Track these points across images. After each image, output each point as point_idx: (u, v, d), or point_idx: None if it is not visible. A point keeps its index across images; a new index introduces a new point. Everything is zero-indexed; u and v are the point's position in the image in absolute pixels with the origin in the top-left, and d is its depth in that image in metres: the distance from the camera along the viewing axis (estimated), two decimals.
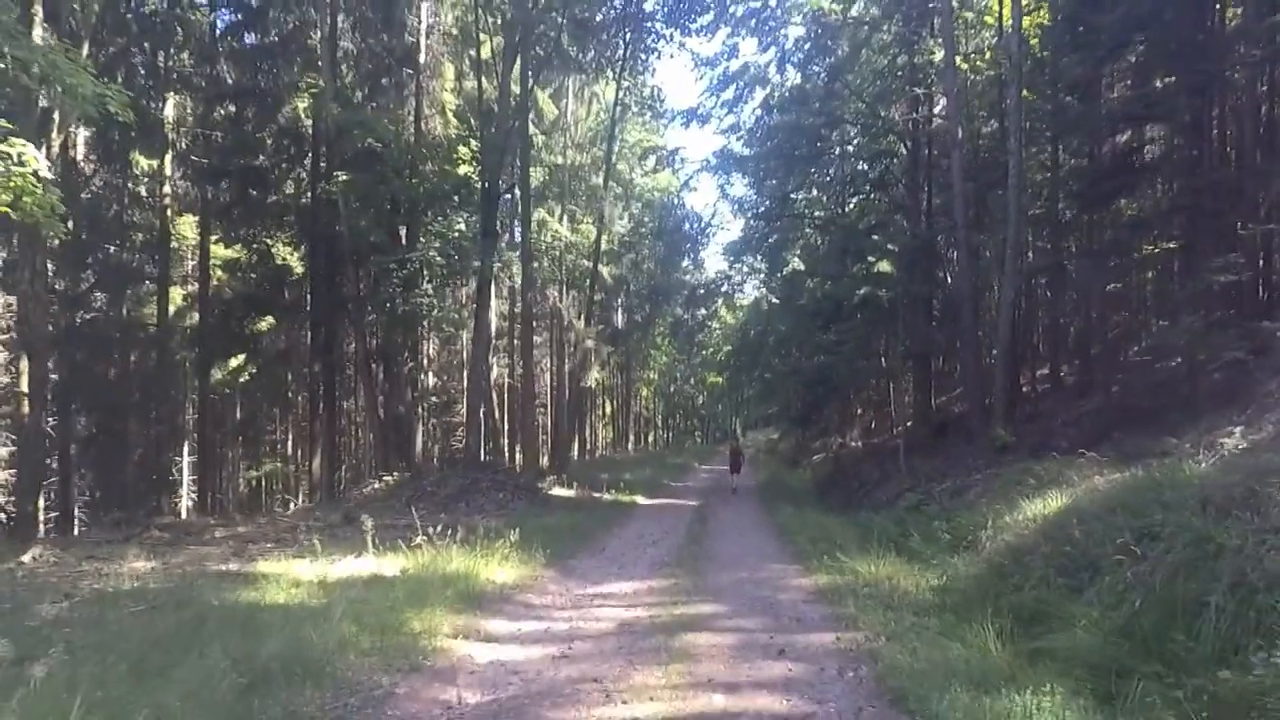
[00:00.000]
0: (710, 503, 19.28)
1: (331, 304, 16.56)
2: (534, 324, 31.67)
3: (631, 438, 57.23)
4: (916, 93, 21.68)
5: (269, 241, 17.69)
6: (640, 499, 19.73)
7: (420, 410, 17.25)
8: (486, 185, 16.34)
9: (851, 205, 25.55)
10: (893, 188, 24.18)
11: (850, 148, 24.68)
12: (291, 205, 17.97)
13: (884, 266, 19.74)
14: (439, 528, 9.94)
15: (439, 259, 14.71)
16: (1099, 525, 6.68)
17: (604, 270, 30.36)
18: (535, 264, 27.01)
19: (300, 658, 5.13)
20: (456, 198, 16.04)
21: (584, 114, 31.36)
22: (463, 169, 16.18)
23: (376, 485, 15.70)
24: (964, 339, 18.93)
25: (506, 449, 29.36)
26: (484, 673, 5.41)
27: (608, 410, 53.88)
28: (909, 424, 27.32)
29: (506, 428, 31.05)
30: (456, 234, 14.72)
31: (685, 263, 30.24)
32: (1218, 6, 13.56)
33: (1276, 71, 13.41)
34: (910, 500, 14.56)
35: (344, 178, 14.21)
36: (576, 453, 43.40)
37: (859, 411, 35.43)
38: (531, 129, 25.87)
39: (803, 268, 26.41)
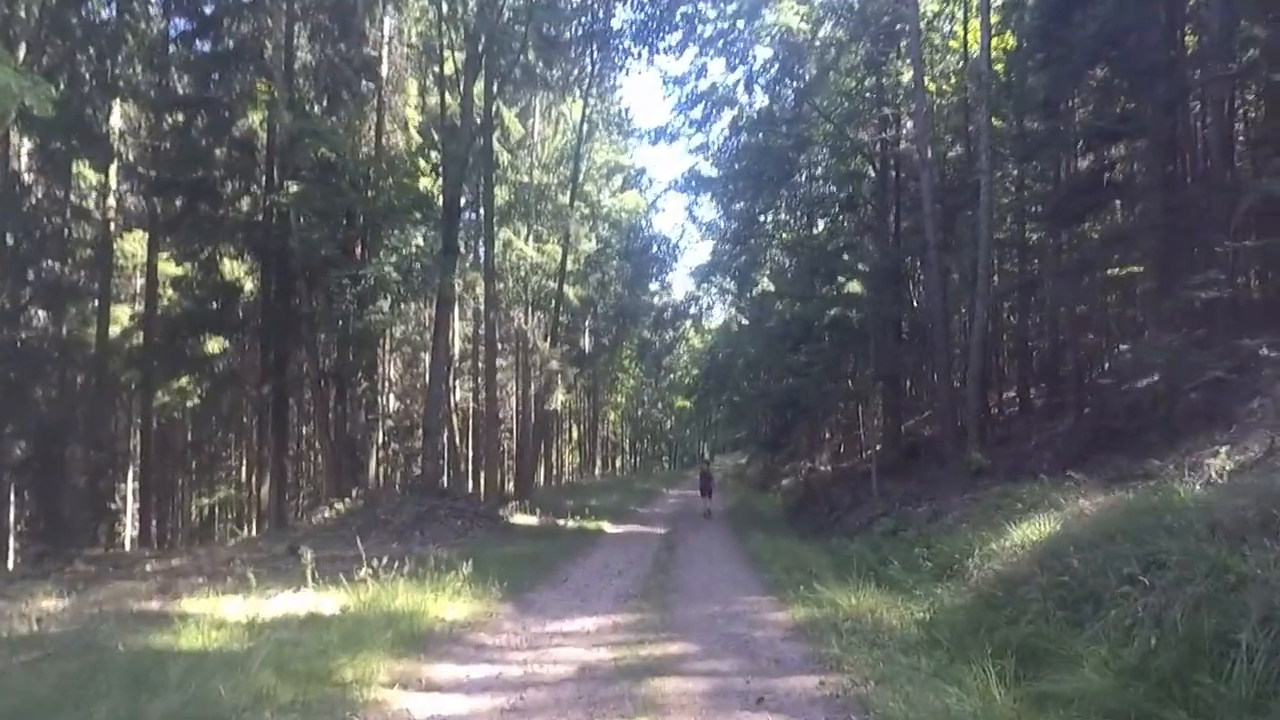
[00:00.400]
0: (679, 529, 18.64)
1: (283, 322, 15.69)
2: (498, 346, 30.94)
3: (598, 463, 56.39)
4: (885, 113, 21.61)
5: (219, 257, 16.80)
6: (606, 526, 19.03)
7: (377, 434, 16.42)
8: (448, 201, 15.73)
9: (820, 228, 25.35)
10: (861, 209, 24.04)
11: (818, 169, 24.52)
12: (242, 220, 17.12)
13: (854, 287, 19.47)
14: (385, 560, 9.16)
15: (395, 275, 14.00)
16: (1099, 553, 6.18)
17: (570, 292, 29.79)
18: (500, 284, 26.41)
19: (201, 717, 4.40)
20: (417, 213, 15.38)
21: (551, 133, 30.95)
22: (423, 183, 15.55)
23: (327, 514, 14.83)
24: (935, 360, 18.66)
25: (470, 475, 28.47)
26: None
27: (574, 435, 53.05)
28: (879, 447, 27.01)
29: (470, 453, 30.18)
30: (415, 250, 14.04)
31: (653, 285, 29.88)
32: (1178, 33, 13.56)
33: (1243, 91, 13.40)
34: (885, 525, 14.09)
35: (295, 189, 13.48)
36: (542, 478, 42.52)
37: (827, 435, 35.13)
38: (497, 147, 25.39)
39: (772, 288, 26.12)
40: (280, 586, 9.30)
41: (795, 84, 23.67)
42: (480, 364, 20.82)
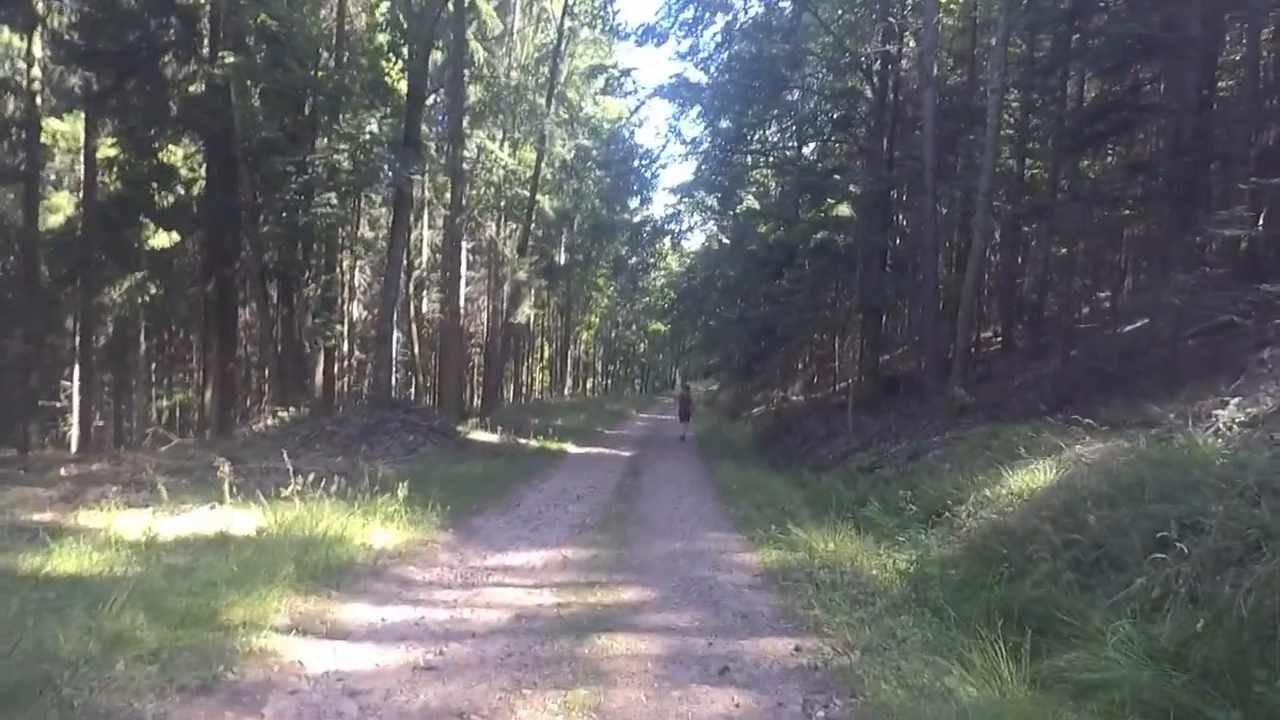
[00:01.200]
0: (646, 454, 17.94)
1: (225, 212, 14.24)
2: (468, 257, 29.58)
3: (570, 383, 55.63)
4: (890, 22, 20.03)
5: (156, 138, 15.17)
6: (570, 447, 18.27)
7: (332, 340, 15.24)
8: (411, 88, 14.23)
9: (811, 149, 23.98)
10: (855, 130, 22.68)
11: (813, 85, 23.00)
12: (180, 96, 15.41)
13: (843, 210, 18.32)
14: (315, 476, 8.23)
15: (346, 165, 12.61)
16: (1122, 512, 5.40)
17: (545, 202, 28.31)
18: (470, 189, 24.88)
19: (25, 672, 3.48)
20: (374, 98, 13.88)
21: (531, 31, 28.85)
22: (389, 71, 13.97)
23: (269, 422, 13.84)
24: (922, 292, 17.76)
25: (436, 390, 27.47)
26: (308, 694, 3.83)
27: (546, 353, 52.09)
28: (855, 380, 26.40)
29: (438, 367, 29.09)
30: (368, 138, 12.63)
31: (633, 202, 28.27)
32: None
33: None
34: (861, 461, 13.42)
35: (232, 60, 11.91)
36: (511, 396, 41.68)
37: (799, 365, 34.50)
38: (473, 43, 23.48)
39: (757, 206, 24.87)
40: (197, 501, 8.37)
41: None
42: (447, 279, 19.58)
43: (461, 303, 28.33)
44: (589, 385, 64.36)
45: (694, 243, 39.59)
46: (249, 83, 12.54)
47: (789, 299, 21.51)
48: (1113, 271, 22.48)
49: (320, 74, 12.76)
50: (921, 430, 13.79)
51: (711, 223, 25.02)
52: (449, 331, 19.34)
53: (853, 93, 22.22)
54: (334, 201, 11.92)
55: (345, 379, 22.64)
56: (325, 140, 12.21)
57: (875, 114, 21.58)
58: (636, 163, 26.60)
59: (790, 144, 23.55)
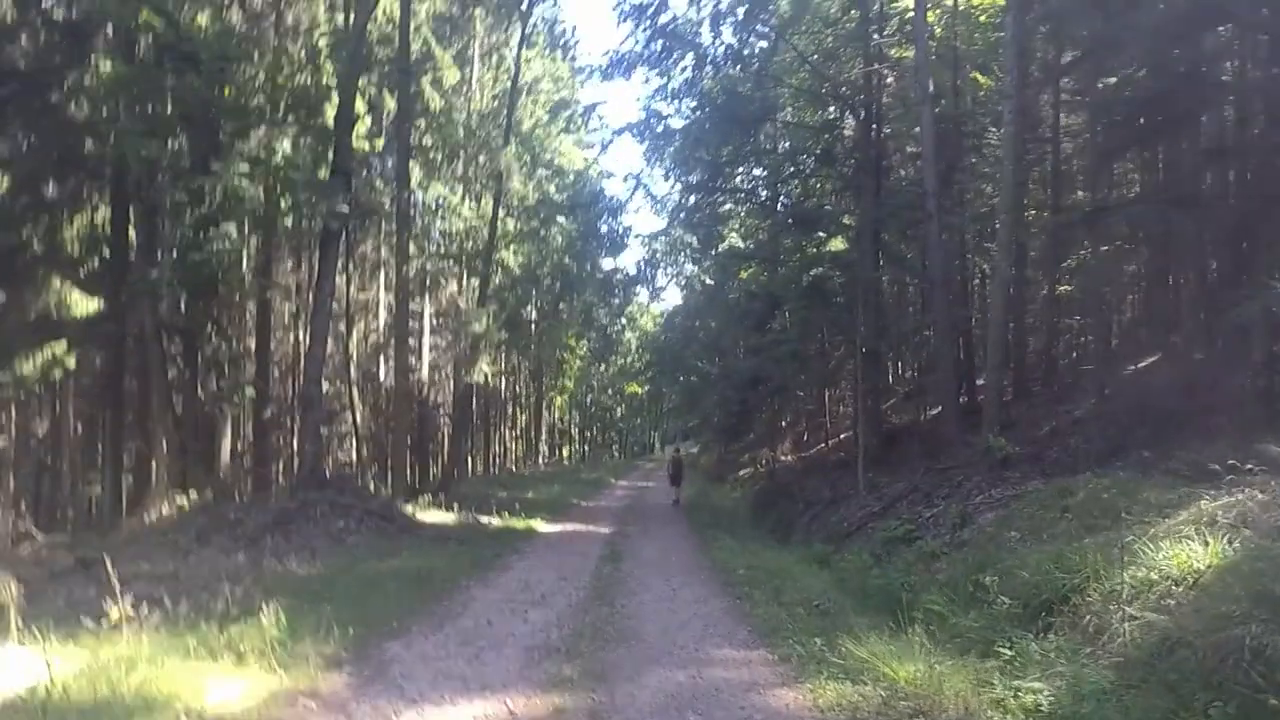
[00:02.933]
0: (627, 529, 15.40)
1: (115, 255, 11.85)
2: (434, 321, 27.26)
3: (546, 451, 52.81)
4: (873, 43, 18.50)
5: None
6: (540, 525, 15.70)
7: (239, 408, 12.76)
8: (340, 110, 12.18)
9: (793, 186, 22.23)
10: (840, 164, 20.98)
11: (791, 117, 21.39)
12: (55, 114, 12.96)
13: (837, 245, 16.36)
14: (155, 596, 5.73)
15: (250, 192, 10.36)
16: None
17: (509, 256, 26.25)
18: (428, 245, 22.73)
19: None
20: (290, 117, 11.78)
21: (490, 79, 27.27)
22: (304, 80, 11.92)
23: (165, 511, 11.24)
24: (935, 329, 15.74)
25: (389, 465, 24.77)
26: None
27: (521, 422, 49.40)
28: (855, 434, 24.17)
29: (392, 440, 26.40)
30: (281, 161, 10.44)
31: (603, 257, 26.19)
32: None
33: None
34: (890, 529, 11.03)
35: (109, 70, 9.69)
36: (482, 467, 38.79)
37: (783, 423, 32.19)
38: (429, 90, 21.74)
39: (740, 244, 22.97)
40: None
41: (768, 18, 20.46)
42: (395, 336, 17.18)
43: (424, 367, 25.91)
44: (566, 453, 61.57)
45: (668, 301, 37.78)
46: (141, 101, 10.35)
47: (780, 346, 19.43)
48: (1162, 291, 20.38)
49: (217, 88, 10.65)
50: (958, 489, 11.48)
51: (690, 265, 23.04)
52: (399, 396, 16.92)
53: (833, 125, 20.61)
54: (232, 235, 9.67)
55: (279, 457, 19.89)
56: (224, 163, 10.02)
57: (860, 145, 19.89)
58: (605, 214, 24.68)
59: (770, 183, 21.77)
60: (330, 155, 12.29)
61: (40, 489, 16.11)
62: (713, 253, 23.01)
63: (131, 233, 11.69)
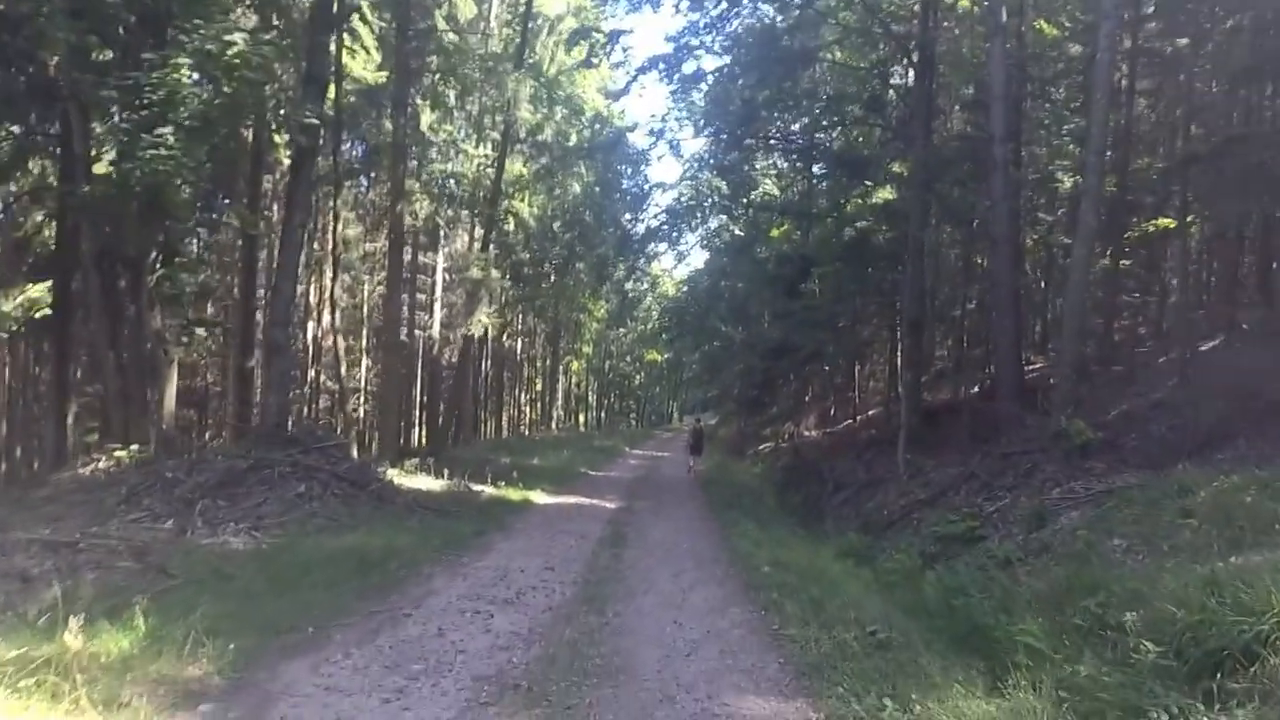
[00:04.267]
0: (636, 505, 13.76)
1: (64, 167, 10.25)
2: (446, 278, 25.56)
3: (561, 415, 51.36)
4: None
5: None
6: (539, 496, 14.12)
7: (190, 345, 11.15)
8: (314, 7, 10.42)
9: (837, 135, 20.13)
10: (890, 110, 18.86)
11: (836, 57, 19.22)
12: None
13: (885, 194, 14.37)
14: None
15: (194, 90, 8.60)
16: None
17: (520, 205, 24.42)
18: (431, 186, 20.93)
19: None
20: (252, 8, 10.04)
21: (508, 15, 25.20)
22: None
23: (102, 464, 9.76)
24: (996, 294, 13.81)
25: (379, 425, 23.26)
26: None
27: (537, 386, 47.92)
28: (887, 410, 22.33)
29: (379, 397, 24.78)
30: (233, 57, 8.64)
31: (623, 210, 24.01)
32: None
33: None
34: (943, 525, 9.27)
35: None
36: (494, 431, 37.32)
37: (809, 396, 30.27)
38: (442, 24, 19.82)
39: (775, 192, 20.96)
40: None
41: None
42: (387, 281, 15.43)
43: (436, 324, 24.25)
44: (582, 420, 60.15)
45: (693, 263, 35.73)
46: None
47: (808, 313, 17.57)
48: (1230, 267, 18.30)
49: None
50: (1027, 479, 9.68)
51: (715, 220, 20.94)
52: (389, 349, 15.31)
53: (884, 65, 18.44)
54: (170, 142, 7.96)
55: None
56: (164, 55, 8.29)
57: (914, 92, 17.73)
58: (626, 165, 22.49)
59: (809, 130, 19.64)
60: (304, 63, 10.56)
61: None
62: (744, 200, 20.96)
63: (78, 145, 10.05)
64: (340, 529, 8.62)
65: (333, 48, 12.45)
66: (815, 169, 19.80)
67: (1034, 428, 11.36)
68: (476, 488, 13.83)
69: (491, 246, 19.80)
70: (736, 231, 23.02)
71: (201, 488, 8.95)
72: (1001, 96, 13.76)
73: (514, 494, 13.63)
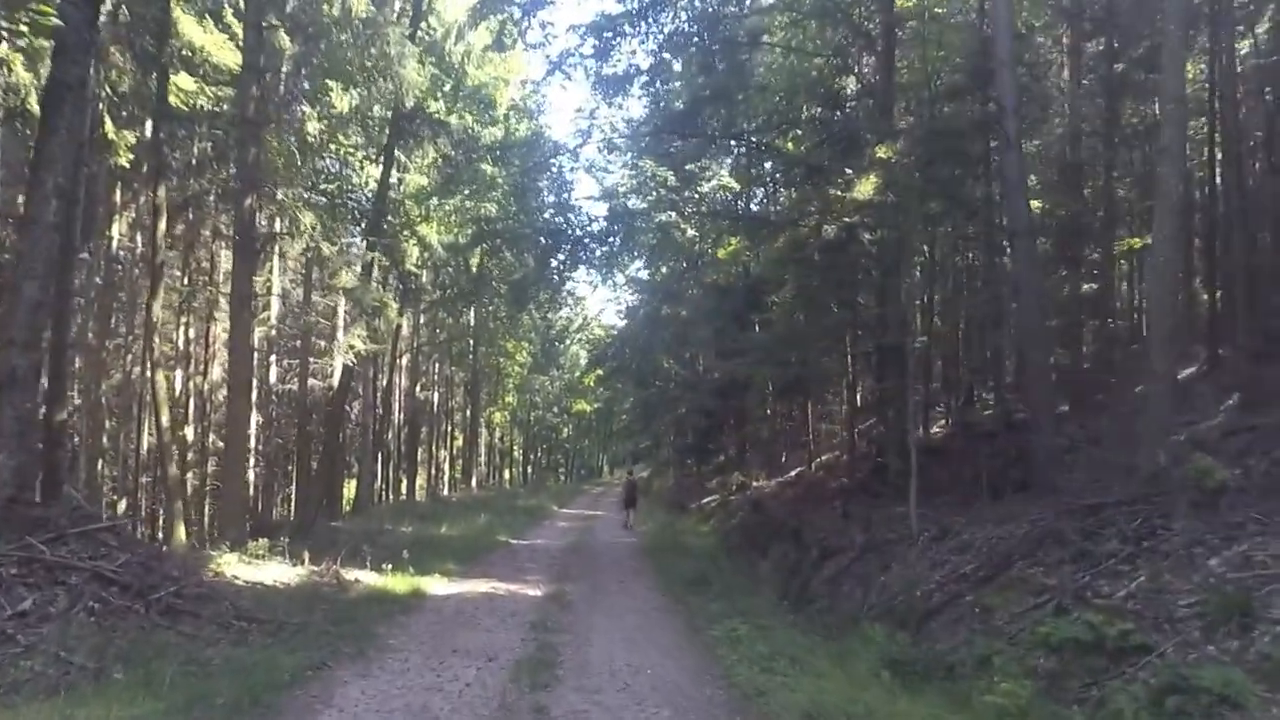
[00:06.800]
0: (568, 592, 10.19)
1: None
2: (348, 317, 21.45)
3: (484, 472, 46.98)
4: None
5: None
6: (436, 584, 10.42)
7: None
8: None
9: (790, 137, 17.47)
10: (855, 104, 16.34)
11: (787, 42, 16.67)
12: None
13: (865, 189, 11.53)
14: None
15: None
16: None
17: (427, 229, 20.86)
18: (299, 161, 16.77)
19: None
20: None
21: None
22: None
23: None
24: (1020, 304, 11.00)
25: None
26: None
27: (458, 441, 43.56)
28: (850, 455, 19.35)
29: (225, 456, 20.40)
30: None
31: (545, 204, 20.36)
32: None
33: None
34: (1060, 625, 6.05)
35: None
36: (405, 493, 32.78)
37: (752, 442, 27.22)
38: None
39: (736, 186, 18.08)
40: None
41: None
42: (235, 298, 11.56)
43: (337, 371, 20.07)
44: (507, 476, 55.79)
45: (624, 299, 32.67)
46: None
47: (766, 344, 14.56)
48: None
49: None
50: (1144, 541, 6.60)
51: (662, 218, 17.75)
52: (235, 390, 11.49)
53: (844, 53, 15.93)
54: None
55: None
56: None
57: (882, 74, 15.21)
58: (547, 163, 19.15)
59: (764, 131, 16.91)
60: None
61: None
62: (696, 192, 17.83)
63: None
64: (53, 683, 4.85)
65: None
66: (768, 166, 17.09)
67: (1109, 466, 8.44)
68: (350, 575, 10.07)
69: (378, 258, 16.03)
70: (689, 233, 19.91)
71: None
72: (1009, 61, 11.22)
73: (400, 583, 9.90)
